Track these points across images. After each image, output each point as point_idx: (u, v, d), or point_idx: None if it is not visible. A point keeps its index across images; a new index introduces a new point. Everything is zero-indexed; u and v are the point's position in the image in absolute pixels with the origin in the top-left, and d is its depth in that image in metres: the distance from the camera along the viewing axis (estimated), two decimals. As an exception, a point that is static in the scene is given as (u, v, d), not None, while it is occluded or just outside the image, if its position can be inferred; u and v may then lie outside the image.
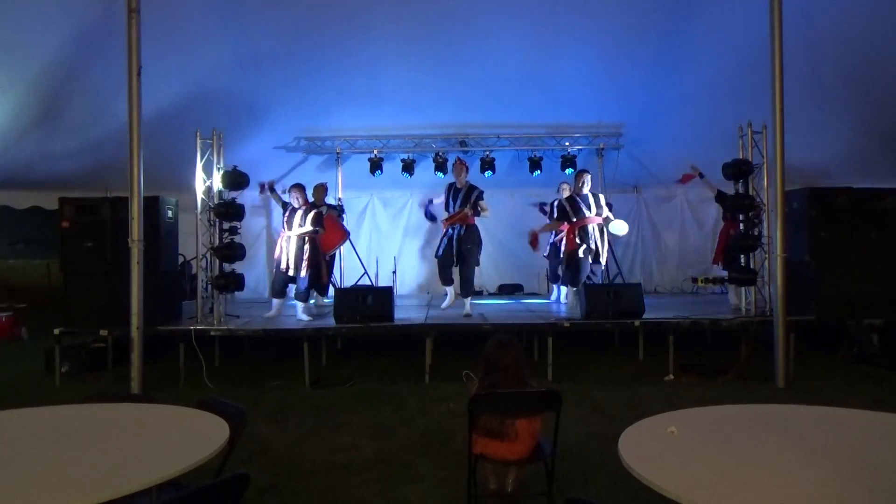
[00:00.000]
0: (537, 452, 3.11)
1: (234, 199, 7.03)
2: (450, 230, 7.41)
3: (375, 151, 9.45)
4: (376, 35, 7.33)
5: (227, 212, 6.88)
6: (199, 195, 6.97)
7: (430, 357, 6.44)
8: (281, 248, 7.21)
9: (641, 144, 9.27)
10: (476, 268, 7.69)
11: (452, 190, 7.45)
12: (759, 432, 2.35)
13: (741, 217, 7.09)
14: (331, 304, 7.89)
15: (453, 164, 7.81)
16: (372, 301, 6.75)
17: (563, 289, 8.18)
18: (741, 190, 7.01)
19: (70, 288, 6.72)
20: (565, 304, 8.02)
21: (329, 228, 7.76)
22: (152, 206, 6.63)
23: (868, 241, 6.90)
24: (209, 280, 6.98)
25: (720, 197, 7.60)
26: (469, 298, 7.47)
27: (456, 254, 7.34)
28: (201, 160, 6.95)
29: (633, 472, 1.98)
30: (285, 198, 7.59)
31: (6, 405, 2.88)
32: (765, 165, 6.79)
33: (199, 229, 6.95)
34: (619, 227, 7.80)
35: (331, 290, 8.31)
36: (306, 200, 7.40)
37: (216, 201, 6.95)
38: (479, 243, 7.50)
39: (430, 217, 8.00)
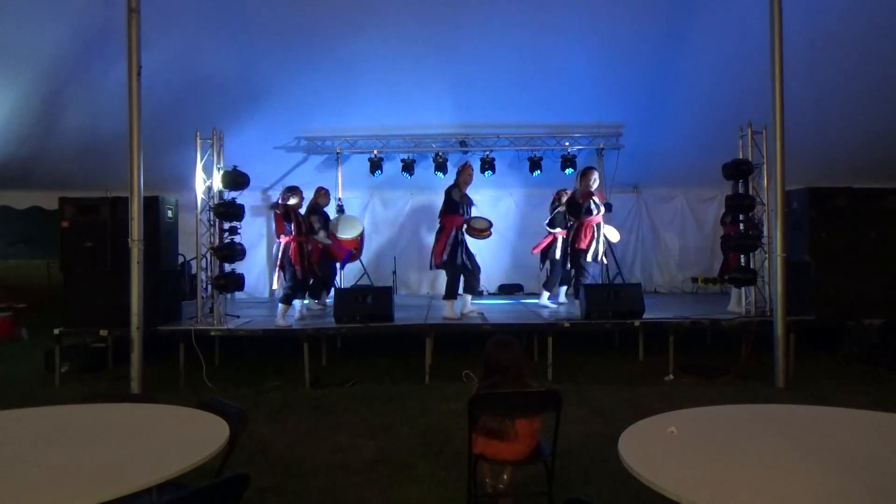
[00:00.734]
0: (537, 452, 3.11)
1: (234, 199, 7.02)
2: (459, 235, 7.17)
3: (375, 151, 9.44)
4: (377, 35, 7.32)
5: (227, 212, 6.87)
6: (199, 195, 6.97)
7: (430, 357, 6.44)
8: (298, 251, 7.03)
9: (641, 144, 9.25)
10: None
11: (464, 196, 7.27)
12: (759, 432, 2.35)
13: (741, 217, 7.08)
14: (318, 308, 7.96)
15: (467, 170, 7.33)
16: (371, 301, 6.75)
17: (563, 288, 8.19)
18: (741, 190, 7.01)
19: (70, 288, 6.72)
20: (564, 303, 8.03)
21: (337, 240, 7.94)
22: (152, 206, 6.64)
23: (868, 241, 6.89)
24: (209, 280, 6.97)
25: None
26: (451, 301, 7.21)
27: (465, 258, 7.20)
28: (201, 160, 6.94)
29: (633, 472, 1.98)
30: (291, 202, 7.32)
31: (6, 405, 2.88)
32: (765, 165, 6.79)
33: (199, 229, 6.96)
34: (611, 234, 7.81)
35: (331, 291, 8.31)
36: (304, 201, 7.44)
37: (216, 201, 6.95)
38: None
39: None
